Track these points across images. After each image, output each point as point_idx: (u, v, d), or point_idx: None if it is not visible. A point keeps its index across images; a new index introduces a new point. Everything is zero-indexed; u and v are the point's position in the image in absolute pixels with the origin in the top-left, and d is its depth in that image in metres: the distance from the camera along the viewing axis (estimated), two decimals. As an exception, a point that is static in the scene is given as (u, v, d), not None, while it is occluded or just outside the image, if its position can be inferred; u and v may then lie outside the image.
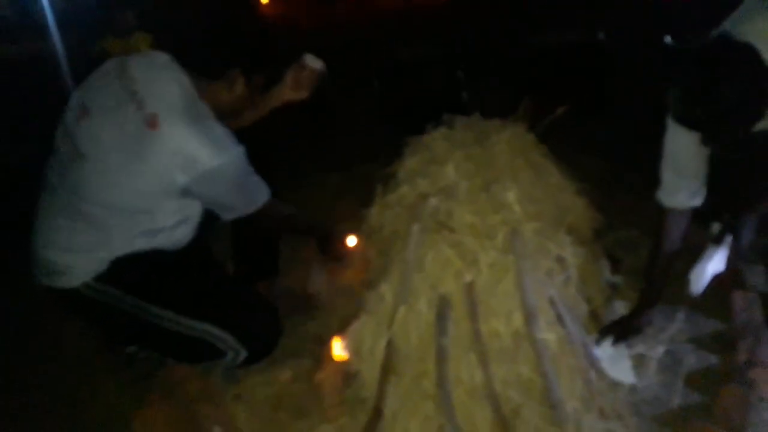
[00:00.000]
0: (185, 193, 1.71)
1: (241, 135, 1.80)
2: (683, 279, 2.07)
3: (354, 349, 1.85)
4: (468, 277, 1.64)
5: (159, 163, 1.64)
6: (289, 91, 1.92)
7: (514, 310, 1.64)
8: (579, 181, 2.09)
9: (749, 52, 1.38)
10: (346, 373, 1.86)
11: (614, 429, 1.61)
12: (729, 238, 1.66)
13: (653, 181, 2.10)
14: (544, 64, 3.83)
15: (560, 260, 1.80)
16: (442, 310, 1.64)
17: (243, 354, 1.90)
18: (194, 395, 1.88)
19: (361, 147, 3.55)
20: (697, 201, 1.77)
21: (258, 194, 1.85)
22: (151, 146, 1.63)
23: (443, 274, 1.68)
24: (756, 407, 1.60)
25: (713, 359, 1.83)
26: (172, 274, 1.86)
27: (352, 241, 2.09)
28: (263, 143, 2.03)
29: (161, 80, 1.71)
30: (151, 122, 1.62)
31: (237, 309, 1.95)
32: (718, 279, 2.02)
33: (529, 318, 1.63)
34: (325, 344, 2.06)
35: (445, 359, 1.61)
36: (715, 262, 1.69)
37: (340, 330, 2.01)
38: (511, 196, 1.74)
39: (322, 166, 3.46)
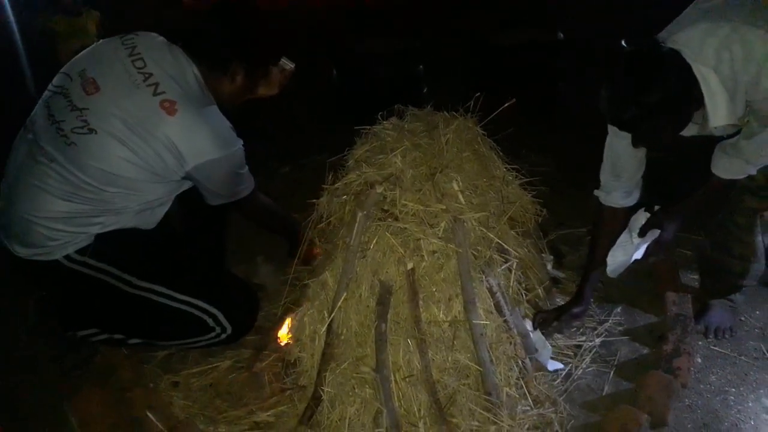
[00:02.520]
0: (184, 177, 1.84)
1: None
2: (621, 277, 2.25)
3: (295, 336, 1.94)
4: (409, 264, 1.75)
5: (170, 146, 1.75)
6: (262, 88, 2.03)
7: (454, 298, 1.76)
8: (526, 177, 2.23)
9: (676, 58, 1.54)
10: (287, 361, 1.95)
11: (546, 414, 1.75)
12: (654, 232, 1.82)
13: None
14: (504, 62, 3.99)
15: (502, 251, 1.94)
16: (383, 296, 1.75)
17: (228, 331, 2.04)
18: (128, 382, 1.93)
19: (316, 137, 3.63)
20: (631, 201, 1.94)
21: (245, 185, 2.01)
22: (165, 130, 1.73)
23: (385, 261, 1.78)
24: (678, 393, 1.77)
25: (644, 350, 2.00)
26: (156, 250, 1.96)
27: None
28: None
29: (176, 68, 1.81)
30: (169, 108, 1.73)
31: (223, 286, 2.12)
32: (656, 279, 2.20)
33: (468, 305, 1.75)
34: (266, 334, 2.15)
35: (384, 345, 1.71)
36: (636, 251, 1.85)
37: (284, 319, 2.10)
38: (455, 186, 1.86)
39: (275, 157, 3.53)
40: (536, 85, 3.88)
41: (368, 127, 2.16)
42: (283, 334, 2.04)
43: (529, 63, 3.86)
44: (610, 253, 1.92)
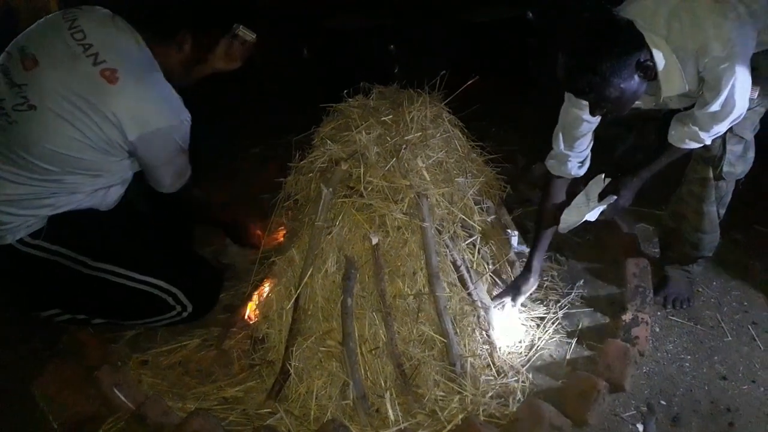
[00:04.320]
0: (129, 152, 1.81)
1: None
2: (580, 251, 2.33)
3: (263, 313, 1.97)
4: (374, 240, 1.78)
5: (112, 117, 1.71)
6: (221, 61, 1.99)
7: (418, 271, 1.80)
8: (491, 154, 2.27)
9: (629, 26, 1.58)
10: (255, 338, 1.98)
11: (510, 383, 1.81)
12: (610, 197, 1.87)
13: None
14: (474, 40, 4.02)
15: (466, 226, 1.98)
16: (348, 271, 1.78)
17: (189, 309, 2.06)
18: (95, 360, 1.93)
19: (286, 117, 3.62)
20: (582, 171, 2.00)
21: (184, 173, 1.98)
22: (107, 100, 1.70)
23: (351, 237, 1.81)
24: (636, 361, 1.84)
25: (605, 320, 2.07)
26: (112, 231, 1.96)
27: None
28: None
29: (118, 37, 1.78)
30: (110, 77, 1.70)
31: (183, 265, 2.12)
32: (618, 252, 2.27)
33: (432, 279, 1.79)
34: (235, 312, 2.17)
35: (350, 318, 1.75)
36: (591, 213, 1.90)
37: (251, 296, 2.12)
38: (419, 162, 1.89)
39: (245, 137, 3.51)
40: (506, 63, 3.91)
41: (334, 104, 2.18)
42: (251, 311, 2.06)
43: (499, 41, 3.89)
44: (565, 212, 1.97)
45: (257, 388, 1.86)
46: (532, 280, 2.05)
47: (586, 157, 1.98)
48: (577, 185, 2.02)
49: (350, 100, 2.17)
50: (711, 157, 1.86)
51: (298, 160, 2.10)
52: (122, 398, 1.77)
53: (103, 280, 1.91)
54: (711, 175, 1.89)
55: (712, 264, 2.27)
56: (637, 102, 1.70)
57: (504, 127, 3.28)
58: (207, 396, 1.85)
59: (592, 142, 1.96)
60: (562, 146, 1.95)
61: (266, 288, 2.00)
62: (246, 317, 2.06)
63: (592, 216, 1.89)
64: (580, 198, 1.95)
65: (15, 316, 2.17)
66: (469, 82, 2.09)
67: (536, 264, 2.06)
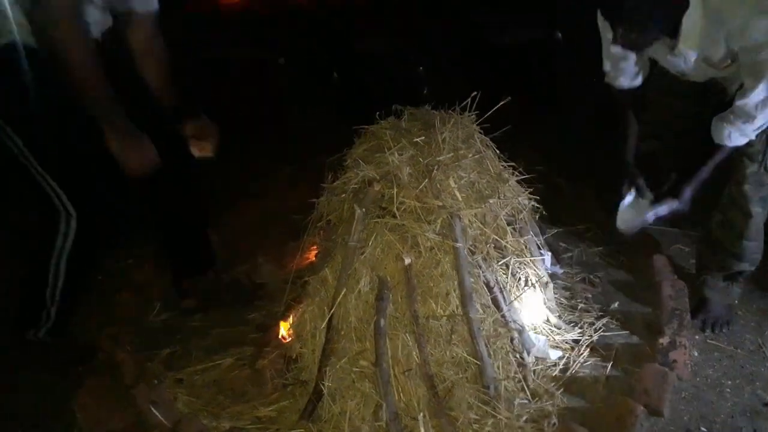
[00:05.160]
0: None
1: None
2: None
3: (296, 332, 1.98)
4: (407, 260, 1.78)
5: None
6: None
7: (451, 292, 1.80)
8: (523, 174, 2.27)
9: None
10: (288, 357, 1.99)
11: (544, 407, 1.78)
12: (671, 201, 1.87)
13: (599, 181, 2.48)
14: (503, 61, 4.04)
15: (499, 246, 1.97)
16: (382, 291, 1.79)
17: (73, 219, 1.92)
18: (132, 379, 1.97)
19: (316, 138, 3.67)
20: (638, 81, 2.00)
21: None
22: None
23: (384, 257, 1.82)
24: (675, 385, 1.80)
25: (641, 344, 2.03)
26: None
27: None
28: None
29: None
30: None
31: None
32: (653, 273, 2.23)
33: (465, 300, 1.78)
34: (268, 332, 2.19)
35: (383, 339, 1.75)
36: (649, 215, 1.89)
37: (285, 316, 2.14)
38: (452, 182, 1.90)
39: (276, 158, 3.56)
40: (534, 84, 3.92)
41: (366, 126, 2.20)
42: (285, 330, 2.08)
43: (527, 62, 3.91)
44: (620, 209, 1.98)
45: (290, 408, 1.87)
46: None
47: (638, 69, 1.98)
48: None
49: (382, 122, 2.19)
50: (754, 152, 1.86)
51: (331, 181, 2.13)
52: (158, 416, 1.80)
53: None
54: (756, 169, 1.87)
55: (753, 286, 2.21)
56: (655, 52, 1.71)
57: (531, 147, 3.26)
58: (241, 415, 1.86)
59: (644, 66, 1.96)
60: (608, 64, 1.99)
61: (300, 308, 2.02)
62: (280, 337, 2.07)
63: (650, 218, 1.89)
64: (631, 198, 1.97)
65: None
66: (501, 102, 2.09)
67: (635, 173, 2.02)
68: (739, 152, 1.87)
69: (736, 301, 2.17)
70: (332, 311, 1.81)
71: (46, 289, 2.01)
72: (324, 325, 1.83)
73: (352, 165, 2.04)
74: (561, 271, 2.37)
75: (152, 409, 1.81)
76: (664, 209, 1.90)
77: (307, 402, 1.83)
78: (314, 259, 2.37)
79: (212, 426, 1.82)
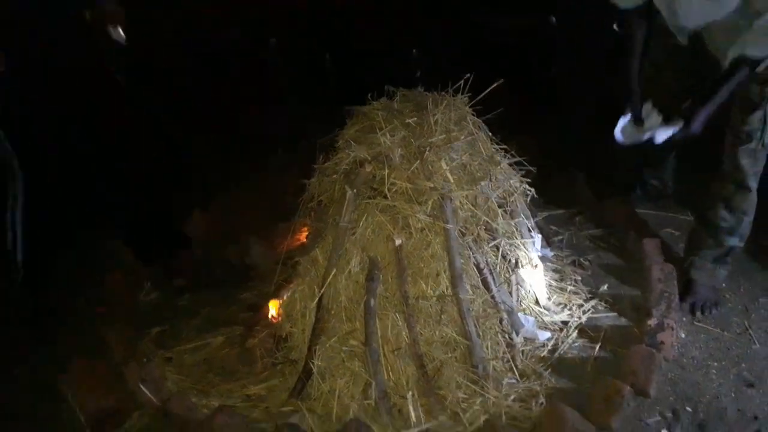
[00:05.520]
0: None
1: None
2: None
3: (286, 312, 1.99)
4: (398, 241, 1.78)
5: None
6: None
7: (441, 273, 1.81)
8: (515, 157, 2.27)
9: None
10: (278, 336, 1.99)
11: (532, 387, 1.80)
12: (680, 123, 1.81)
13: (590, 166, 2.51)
14: (497, 45, 4.00)
15: (489, 229, 1.98)
16: (372, 272, 1.79)
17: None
18: (121, 358, 1.97)
19: (309, 120, 3.64)
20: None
21: None
22: None
23: (374, 238, 1.83)
24: (661, 366, 1.81)
25: (629, 325, 2.04)
26: None
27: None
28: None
29: None
30: None
31: None
32: (643, 256, 2.22)
33: (455, 281, 1.79)
34: (258, 311, 2.20)
35: (373, 319, 1.76)
36: (659, 134, 1.83)
37: (275, 296, 2.14)
38: (443, 164, 1.90)
39: (268, 140, 3.54)
40: (529, 68, 3.90)
41: (358, 106, 2.19)
42: (275, 310, 2.08)
43: (522, 46, 3.88)
44: (621, 122, 1.93)
45: (280, 387, 1.88)
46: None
47: None
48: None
49: (374, 102, 2.18)
50: (753, 130, 1.88)
51: (322, 162, 2.12)
52: (148, 394, 1.81)
53: None
54: (754, 146, 1.90)
55: (740, 270, 2.23)
56: None
57: (523, 130, 3.25)
58: (230, 393, 1.87)
59: None
60: None
61: (290, 287, 2.02)
62: (270, 316, 2.08)
63: (659, 137, 1.83)
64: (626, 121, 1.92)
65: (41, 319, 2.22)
66: (494, 85, 2.08)
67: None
68: (737, 129, 1.89)
69: (724, 285, 2.19)
70: (322, 291, 1.82)
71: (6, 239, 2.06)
72: (314, 304, 1.84)
73: (343, 146, 2.04)
74: (551, 253, 2.38)
75: (141, 387, 1.81)
76: (671, 130, 1.83)
77: (297, 380, 1.84)
78: (305, 239, 2.37)
79: (201, 403, 1.82)
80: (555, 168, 2.89)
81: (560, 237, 2.53)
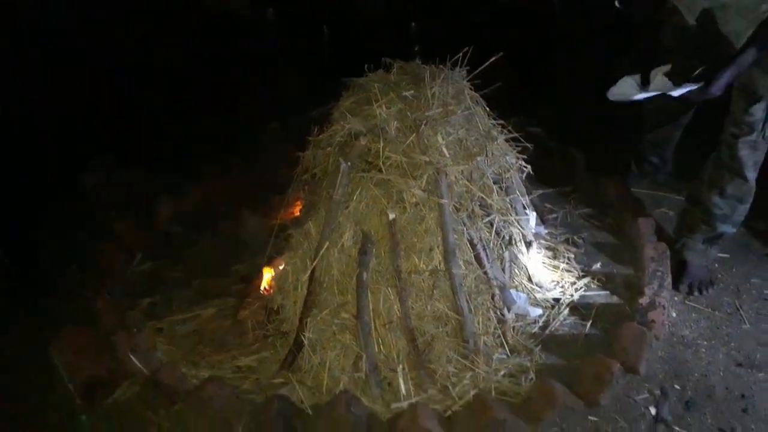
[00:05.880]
0: None
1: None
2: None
3: (279, 284, 1.98)
4: (391, 215, 1.77)
5: None
6: None
7: (434, 248, 1.79)
8: (512, 132, 2.24)
9: None
10: (270, 309, 1.99)
11: (522, 363, 1.80)
12: (691, 86, 1.73)
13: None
14: (497, 22, 3.95)
15: (484, 205, 1.96)
16: (365, 245, 1.77)
17: None
18: (111, 327, 1.95)
19: (305, 92, 3.59)
20: None
21: None
22: None
23: (368, 212, 1.81)
24: (651, 344, 1.82)
25: (621, 303, 2.04)
26: None
27: None
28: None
29: None
30: None
31: None
32: (636, 235, 2.21)
33: (448, 256, 1.78)
34: (251, 284, 2.19)
35: (365, 293, 1.75)
36: (678, 90, 1.71)
37: (268, 268, 2.13)
38: (439, 138, 1.87)
39: (263, 113, 3.49)
40: (530, 43, 3.85)
41: (354, 78, 2.16)
42: (267, 282, 2.07)
43: (523, 21, 3.82)
44: (619, 83, 1.83)
45: (271, 359, 1.88)
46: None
47: None
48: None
49: (371, 74, 2.14)
50: (755, 121, 1.86)
51: (317, 134, 2.10)
52: (137, 363, 1.80)
53: None
54: (755, 138, 1.88)
55: (733, 251, 2.23)
56: None
57: (521, 106, 3.22)
58: (221, 364, 1.87)
59: None
60: None
61: (282, 259, 2.00)
62: (262, 289, 2.07)
63: (677, 92, 1.72)
64: (629, 80, 1.81)
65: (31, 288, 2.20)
66: (493, 59, 2.05)
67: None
68: (739, 120, 1.86)
69: (716, 265, 2.19)
70: (315, 264, 1.80)
71: None
72: (306, 277, 1.82)
73: (338, 118, 2.01)
74: (545, 231, 2.37)
75: (131, 356, 1.81)
76: (691, 87, 1.72)
77: (288, 352, 1.84)
78: (298, 213, 2.35)
79: (191, 374, 1.82)
80: (553, 145, 2.88)
81: (554, 215, 2.52)
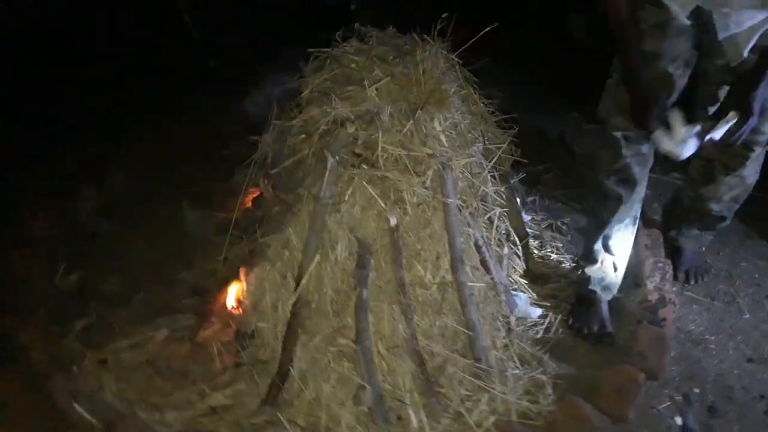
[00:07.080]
0: None
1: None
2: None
3: (252, 303, 1.66)
4: (392, 220, 1.50)
5: None
6: None
7: (442, 256, 1.55)
8: (499, 113, 2.01)
9: None
10: (242, 333, 1.68)
11: (537, 377, 1.63)
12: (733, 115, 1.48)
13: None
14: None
15: (484, 199, 1.74)
16: (363, 258, 1.50)
17: None
18: (43, 365, 1.57)
19: (256, 61, 3.09)
20: None
21: None
22: None
23: (364, 216, 1.53)
24: (669, 346, 1.71)
25: (620, 296, 1.90)
26: None
27: None
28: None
29: None
30: None
31: None
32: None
33: (456, 264, 1.55)
34: (206, 296, 1.85)
35: (365, 313, 1.49)
36: (715, 132, 1.48)
37: (229, 279, 1.81)
38: (437, 125, 1.61)
39: (217, 89, 2.98)
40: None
41: (325, 50, 1.83)
42: (235, 299, 1.75)
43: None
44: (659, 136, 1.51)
45: (248, 392, 1.59)
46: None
47: None
48: None
49: (345, 45, 1.82)
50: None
51: (278, 115, 1.77)
52: (84, 413, 1.45)
53: None
54: (759, 151, 1.69)
55: (719, 234, 2.14)
56: None
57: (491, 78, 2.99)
58: (189, 405, 1.55)
59: None
60: None
61: (254, 272, 1.68)
62: (228, 307, 1.74)
63: (716, 134, 1.49)
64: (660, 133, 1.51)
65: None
66: (486, 29, 1.78)
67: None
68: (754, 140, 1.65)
69: (703, 249, 2.12)
70: (302, 281, 1.51)
71: None
72: (294, 297, 1.53)
73: (314, 98, 1.69)
74: (528, 217, 2.19)
75: (75, 405, 1.45)
76: (729, 124, 1.50)
77: (270, 385, 1.55)
78: (249, 204, 2.04)
79: (154, 419, 1.50)
80: (520, 119, 2.68)
81: (531, 198, 2.34)
